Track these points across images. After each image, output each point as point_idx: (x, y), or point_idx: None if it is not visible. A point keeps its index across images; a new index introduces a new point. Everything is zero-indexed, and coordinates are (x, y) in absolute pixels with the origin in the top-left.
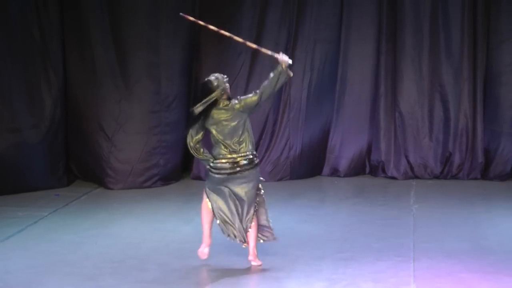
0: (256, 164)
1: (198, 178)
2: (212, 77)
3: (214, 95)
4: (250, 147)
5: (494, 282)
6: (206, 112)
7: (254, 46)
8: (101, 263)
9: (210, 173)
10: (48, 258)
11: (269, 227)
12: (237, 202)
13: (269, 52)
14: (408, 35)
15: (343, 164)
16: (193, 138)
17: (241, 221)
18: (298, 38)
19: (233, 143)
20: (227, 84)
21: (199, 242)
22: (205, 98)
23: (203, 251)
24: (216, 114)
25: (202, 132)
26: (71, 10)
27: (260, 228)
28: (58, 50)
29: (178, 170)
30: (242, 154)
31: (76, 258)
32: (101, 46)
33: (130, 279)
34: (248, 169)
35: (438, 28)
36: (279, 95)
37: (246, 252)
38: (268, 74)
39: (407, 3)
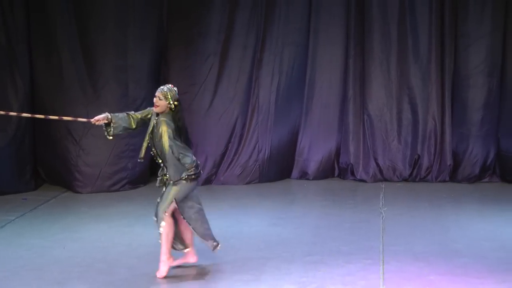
0: None
1: None
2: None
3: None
4: None
5: (463, 285)
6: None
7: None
8: (69, 267)
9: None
10: (15, 263)
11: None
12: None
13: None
14: (376, 38)
15: (312, 167)
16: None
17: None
18: (267, 41)
19: None
20: None
21: None
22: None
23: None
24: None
25: None
26: (37, 13)
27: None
28: (24, 54)
29: (146, 174)
30: None
31: (44, 262)
32: (68, 50)
33: (98, 283)
34: None
35: (406, 32)
36: (248, 98)
37: (214, 256)
38: (237, 80)
39: (375, 6)
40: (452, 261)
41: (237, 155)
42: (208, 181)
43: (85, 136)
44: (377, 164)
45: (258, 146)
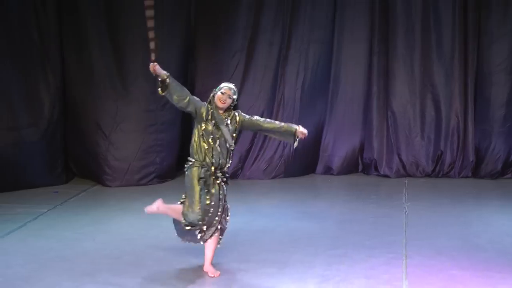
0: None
1: None
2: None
3: None
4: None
5: (485, 279)
6: None
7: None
8: (98, 259)
9: None
10: (46, 254)
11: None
12: None
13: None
14: (400, 36)
15: (336, 162)
16: None
17: None
18: (292, 38)
19: None
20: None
21: None
22: None
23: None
24: None
25: None
26: (69, 12)
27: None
28: (56, 51)
29: (174, 168)
30: None
31: (74, 254)
32: (98, 47)
33: (126, 275)
34: None
35: (430, 29)
36: (273, 95)
37: (239, 249)
38: (263, 77)
39: (399, 4)
40: (474, 256)
41: (263, 150)
42: (234, 176)
43: (114, 131)
44: (401, 160)
45: (283, 142)
